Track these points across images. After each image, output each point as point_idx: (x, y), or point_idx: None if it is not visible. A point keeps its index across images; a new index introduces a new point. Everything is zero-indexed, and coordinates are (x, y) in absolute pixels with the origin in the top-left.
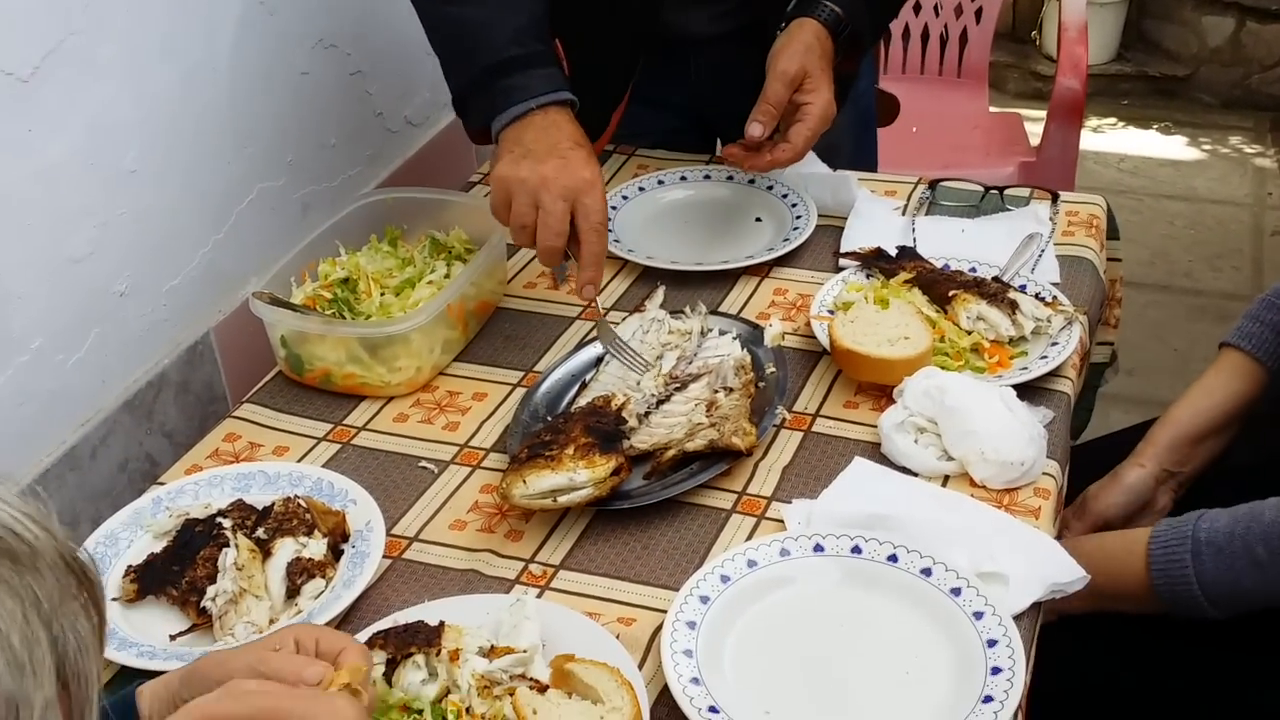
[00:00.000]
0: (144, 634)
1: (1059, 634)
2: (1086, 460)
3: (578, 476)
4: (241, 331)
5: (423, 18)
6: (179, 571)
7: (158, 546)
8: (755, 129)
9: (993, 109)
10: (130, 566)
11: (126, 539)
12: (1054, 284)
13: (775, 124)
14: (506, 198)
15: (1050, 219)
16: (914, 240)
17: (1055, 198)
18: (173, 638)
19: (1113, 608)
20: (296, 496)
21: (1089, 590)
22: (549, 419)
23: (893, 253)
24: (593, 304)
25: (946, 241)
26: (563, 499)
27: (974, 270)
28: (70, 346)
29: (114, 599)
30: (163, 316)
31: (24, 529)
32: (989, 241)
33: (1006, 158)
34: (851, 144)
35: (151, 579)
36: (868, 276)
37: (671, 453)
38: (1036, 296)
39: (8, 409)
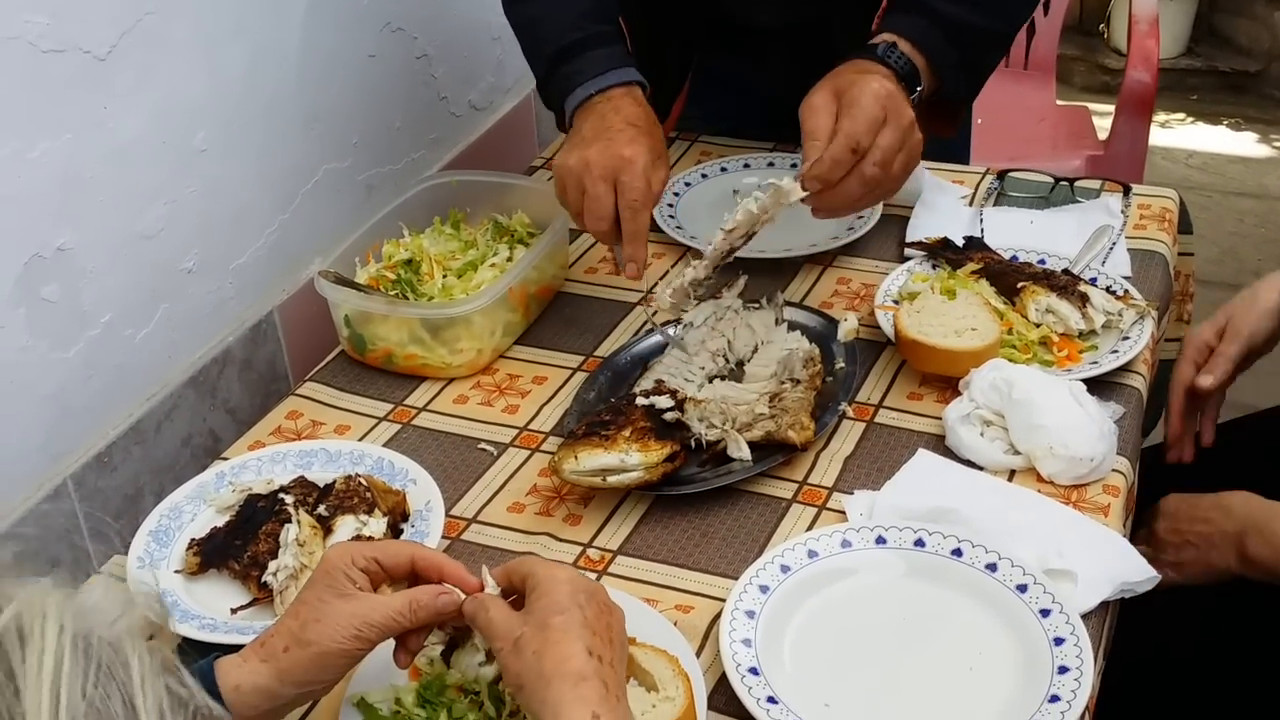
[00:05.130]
0: (205, 606)
1: (1142, 614)
2: (1156, 463)
3: (629, 459)
4: (304, 311)
5: (508, 19)
6: (241, 546)
7: (220, 520)
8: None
9: (1060, 102)
10: (193, 539)
11: (190, 512)
12: (1125, 278)
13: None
14: (562, 186)
15: (1122, 212)
16: (981, 231)
17: (1127, 190)
18: (234, 611)
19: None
20: (358, 475)
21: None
22: (611, 400)
23: (959, 243)
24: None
25: (1015, 233)
26: (612, 479)
27: (1043, 262)
28: (139, 321)
29: (176, 571)
30: (229, 294)
31: None
32: (1058, 234)
33: (1074, 151)
34: (936, 141)
35: (214, 552)
36: (934, 267)
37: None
38: (1107, 290)
39: (77, 381)
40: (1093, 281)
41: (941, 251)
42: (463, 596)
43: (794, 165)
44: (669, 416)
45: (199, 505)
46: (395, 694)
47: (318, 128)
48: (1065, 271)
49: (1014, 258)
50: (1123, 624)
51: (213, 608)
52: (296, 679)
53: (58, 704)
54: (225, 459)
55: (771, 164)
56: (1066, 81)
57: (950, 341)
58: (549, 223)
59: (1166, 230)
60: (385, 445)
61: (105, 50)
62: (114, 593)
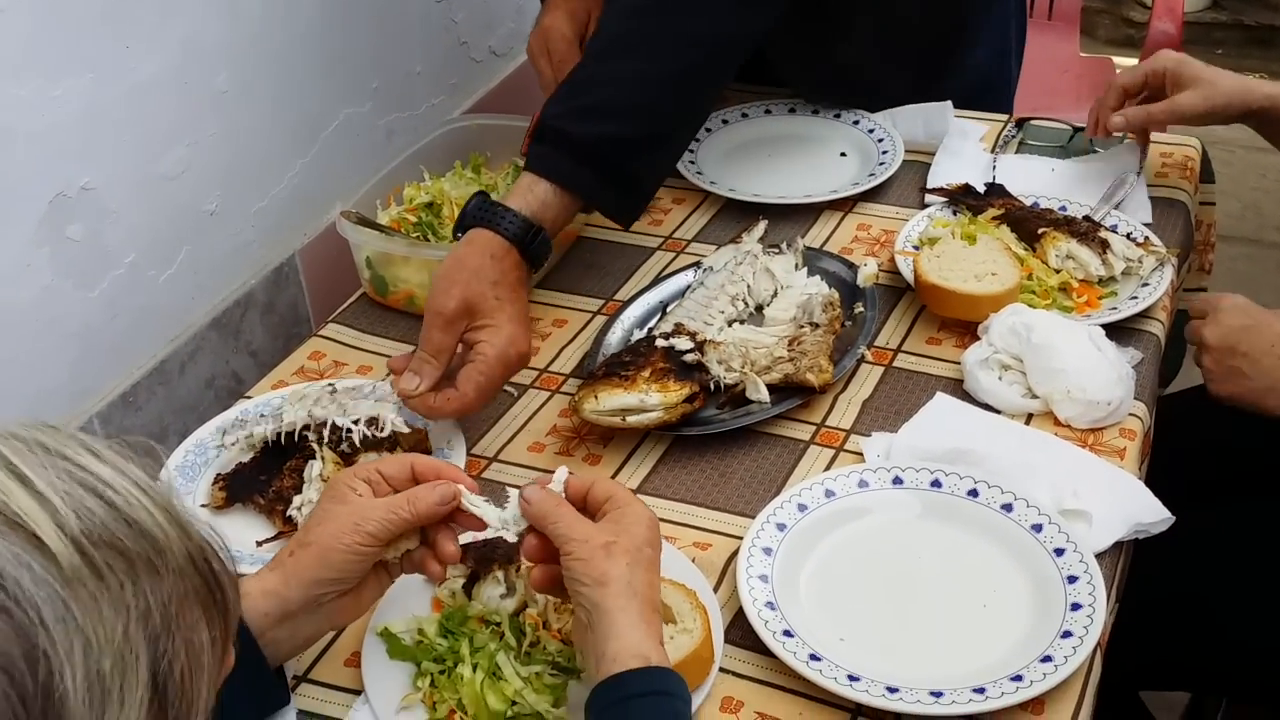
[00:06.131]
0: (231, 540)
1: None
2: (1174, 413)
3: (649, 399)
4: (325, 255)
5: None
6: (266, 481)
7: (246, 457)
8: (409, 381)
9: (1083, 54)
10: (219, 474)
11: (215, 448)
12: (1146, 225)
13: (441, 373)
14: None
15: (1141, 160)
16: (994, 177)
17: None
18: (259, 544)
19: None
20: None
21: None
22: (632, 342)
23: (981, 189)
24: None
25: (1035, 180)
26: (632, 419)
27: (1064, 209)
28: (162, 263)
29: (203, 505)
30: (250, 237)
31: (153, 524)
32: (1079, 181)
33: None
34: (979, 91)
35: (239, 487)
36: (955, 213)
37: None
38: (1127, 236)
39: (101, 321)
40: (1113, 228)
41: (962, 198)
42: (458, 488)
43: (815, 112)
44: (689, 358)
45: (223, 442)
46: (418, 624)
47: (338, 72)
48: (1086, 218)
49: (1035, 204)
50: (1137, 555)
51: (238, 540)
52: (301, 578)
53: (33, 488)
54: (249, 397)
55: (793, 110)
56: (1091, 34)
57: (970, 286)
58: None
59: (1188, 179)
60: None
61: None
62: None
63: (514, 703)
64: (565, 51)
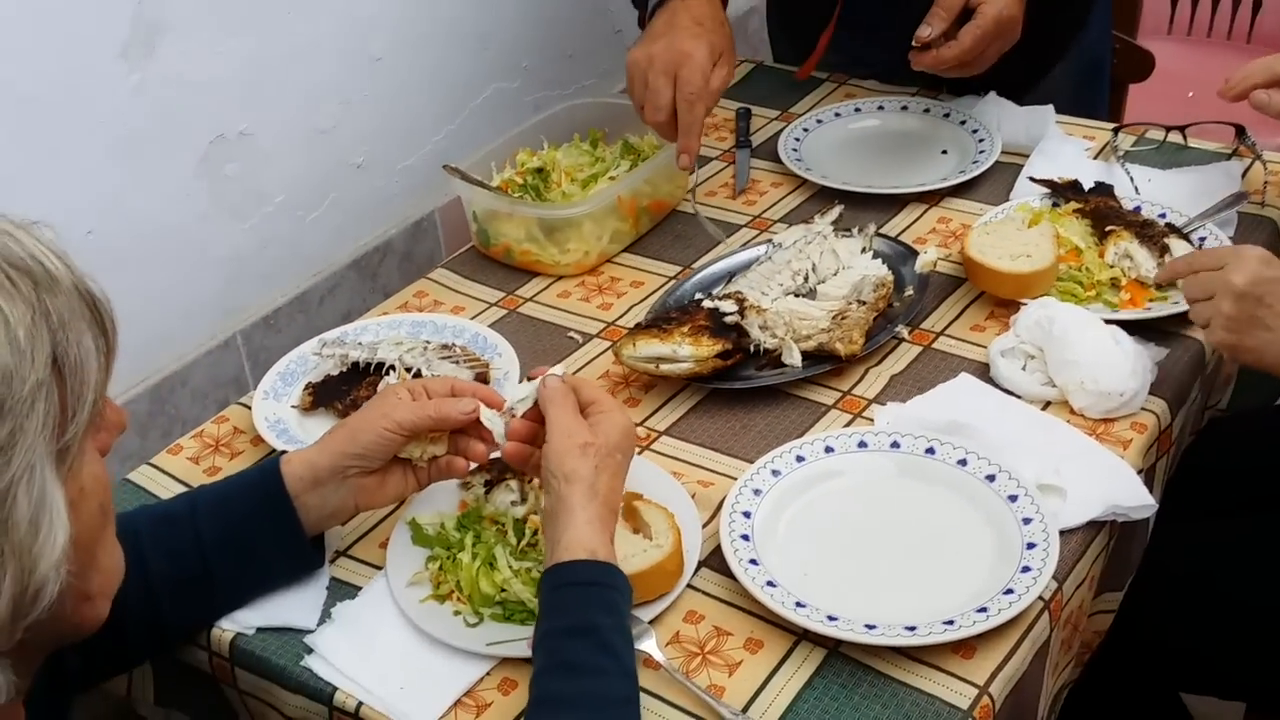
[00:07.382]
0: (311, 436)
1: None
2: (1221, 430)
3: (680, 350)
4: (464, 213)
5: None
6: (346, 390)
7: (336, 371)
8: (924, 30)
9: None
10: (309, 382)
11: (314, 361)
12: (1229, 238)
13: (947, 26)
14: (630, 79)
15: (1243, 162)
16: (1133, 183)
17: (1257, 157)
18: None
19: None
20: (454, 343)
21: None
22: (687, 303)
23: (1088, 187)
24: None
25: (1159, 189)
26: (664, 367)
27: (1164, 216)
28: (309, 205)
29: (293, 406)
30: (394, 191)
31: (48, 260)
32: (1175, 193)
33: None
34: (1071, 94)
35: (324, 394)
36: (1054, 205)
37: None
38: (1200, 244)
39: (251, 250)
40: (1201, 241)
41: (1064, 191)
42: (478, 403)
43: (926, 110)
44: (729, 319)
45: (321, 351)
46: (440, 519)
47: (490, 48)
48: (1168, 224)
49: (1137, 208)
50: (1157, 534)
51: (316, 436)
52: (331, 450)
53: None
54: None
55: (905, 107)
56: None
57: (1003, 264)
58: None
59: None
60: (490, 326)
61: None
62: None
63: (503, 590)
64: (700, 87)
